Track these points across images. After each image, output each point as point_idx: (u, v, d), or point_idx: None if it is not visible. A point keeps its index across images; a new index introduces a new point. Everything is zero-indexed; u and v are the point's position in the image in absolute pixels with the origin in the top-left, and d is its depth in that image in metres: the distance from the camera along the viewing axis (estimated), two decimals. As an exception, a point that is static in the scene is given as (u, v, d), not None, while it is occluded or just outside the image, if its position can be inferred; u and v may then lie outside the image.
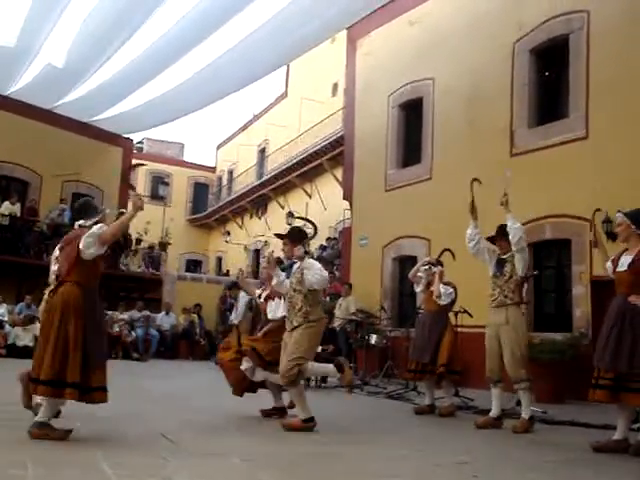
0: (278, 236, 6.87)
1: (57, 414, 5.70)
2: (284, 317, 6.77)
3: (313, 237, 6.49)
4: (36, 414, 5.18)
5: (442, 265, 8.74)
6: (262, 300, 7.46)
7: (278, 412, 7.06)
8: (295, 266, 6.53)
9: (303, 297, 6.31)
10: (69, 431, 5.11)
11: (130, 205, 5.40)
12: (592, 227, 6.70)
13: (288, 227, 25.14)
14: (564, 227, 11.38)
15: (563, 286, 11.73)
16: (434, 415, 8.14)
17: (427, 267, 8.87)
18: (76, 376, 4.95)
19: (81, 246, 5.13)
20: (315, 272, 6.25)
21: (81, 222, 5.46)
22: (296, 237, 6.63)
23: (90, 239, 5.12)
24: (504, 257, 7.26)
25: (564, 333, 10.85)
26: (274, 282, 6.71)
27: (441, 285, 8.49)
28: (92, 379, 5.06)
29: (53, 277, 5.61)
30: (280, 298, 7.14)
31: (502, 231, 7.27)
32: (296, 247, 6.50)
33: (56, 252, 5.54)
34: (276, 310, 7.15)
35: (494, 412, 7.13)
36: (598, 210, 7.13)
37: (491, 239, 7.46)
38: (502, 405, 7.21)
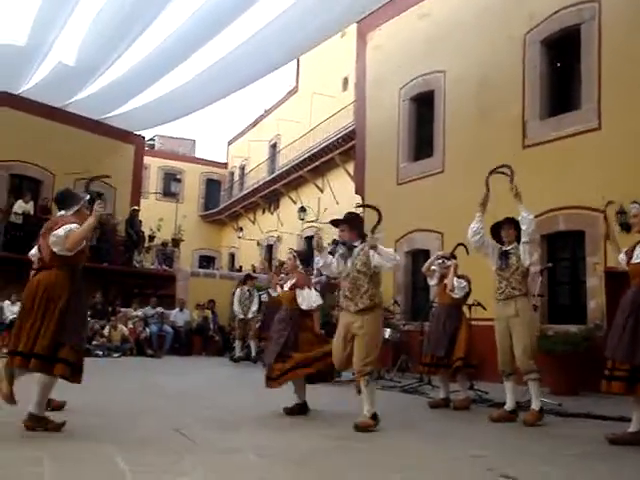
0: (335, 222, 6.80)
1: (62, 407, 5.78)
2: (319, 306, 7.12)
3: (379, 223, 6.46)
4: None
5: (456, 259, 8.73)
6: (286, 289, 7.41)
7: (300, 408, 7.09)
8: (357, 249, 6.53)
9: (368, 279, 6.40)
10: (62, 424, 5.21)
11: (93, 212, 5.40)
12: (605, 219, 6.66)
13: (301, 221, 25.28)
14: (578, 219, 11.32)
15: (577, 278, 11.66)
16: (449, 409, 8.13)
17: (441, 261, 8.87)
18: (44, 349, 5.08)
19: (49, 242, 5.30)
20: (387, 253, 6.39)
21: (63, 212, 5.58)
22: (355, 223, 6.73)
23: (54, 239, 5.27)
24: (508, 249, 7.23)
25: (579, 325, 10.80)
26: (320, 264, 6.61)
27: (455, 278, 8.48)
28: (60, 352, 5.14)
29: (36, 262, 5.71)
30: (310, 288, 7.25)
31: (511, 220, 7.27)
32: (354, 233, 6.58)
33: (39, 239, 5.57)
34: (309, 299, 7.19)
35: (509, 405, 7.12)
36: (611, 202, 7.08)
37: (496, 226, 7.41)
38: (517, 398, 7.20)
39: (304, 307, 7.14)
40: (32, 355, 5.10)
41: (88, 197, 5.71)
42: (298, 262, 7.47)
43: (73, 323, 5.25)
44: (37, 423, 5.16)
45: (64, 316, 5.19)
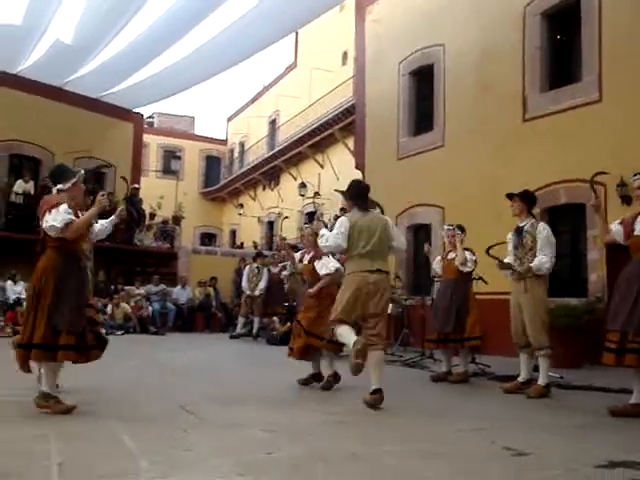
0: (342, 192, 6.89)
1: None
2: (337, 269, 7.21)
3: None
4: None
5: (464, 232, 8.64)
6: (306, 262, 7.64)
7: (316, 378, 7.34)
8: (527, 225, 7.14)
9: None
10: (73, 407, 5.19)
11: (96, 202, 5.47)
12: (593, 190, 6.60)
13: (301, 197, 25.24)
14: (578, 192, 11.29)
15: (578, 251, 11.68)
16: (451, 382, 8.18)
17: (452, 227, 8.73)
18: (41, 338, 5.09)
19: (43, 225, 5.29)
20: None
21: (59, 186, 5.51)
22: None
23: (47, 225, 5.25)
24: (522, 225, 7.22)
25: (580, 298, 10.83)
26: (328, 243, 6.49)
27: (466, 252, 8.43)
28: (60, 340, 5.14)
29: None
30: (328, 256, 7.42)
31: (523, 195, 7.28)
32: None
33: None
34: (327, 265, 7.35)
35: (523, 377, 7.18)
36: (602, 173, 7.03)
37: (510, 196, 7.38)
38: (530, 371, 7.23)
39: (322, 273, 7.32)
40: (32, 346, 5.13)
41: (83, 171, 5.70)
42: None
43: (67, 306, 5.22)
44: (47, 402, 5.16)
45: (56, 302, 5.18)
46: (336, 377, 7.18)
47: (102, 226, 6.06)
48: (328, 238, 6.31)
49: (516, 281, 7.17)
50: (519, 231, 7.23)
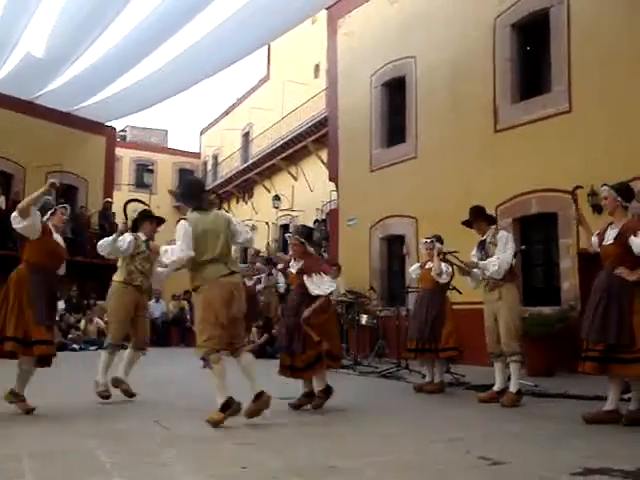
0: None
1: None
2: (332, 292, 6.72)
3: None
4: None
5: (442, 242, 8.67)
6: (293, 271, 6.83)
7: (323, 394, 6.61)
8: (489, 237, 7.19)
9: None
10: (32, 409, 5.79)
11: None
12: (575, 204, 6.69)
13: (275, 209, 25.23)
14: (550, 201, 11.41)
15: (551, 260, 11.78)
16: (443, 393, 8.15)
17: (429, 240, 8.74)
18: (13, 332, 5.68)
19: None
20: None
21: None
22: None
23: (14, 213, 5.87)
24: (485, 238, 7.30)
25: (553, 306, 10.91)
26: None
27: (442, 263, 8.45)
28: (32, 334, 5.73)
29: None
30: (321, 273, 6.61)
31: (477, 212, 7.34)
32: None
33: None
34: (320, 285, 6.54)
35: (498, 386, 7.20)
36: (579, 187, 7.12)
37: (467, 223, 7.47)
38: (505, 380, 7.25)
39: (315, 293, 6.53)
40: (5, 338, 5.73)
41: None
42: (307, 246, 6.77)
43: (34, 307, 5.85)
44: (15, 398, 5.79)
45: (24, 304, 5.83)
46: (328, 391, 6.59)
47: None
48: (173, 252, 5.69)
49: (489, 291, 7.22)
50: (482, 244, 7.31)
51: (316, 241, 18.70)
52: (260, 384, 5.57)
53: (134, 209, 7.23)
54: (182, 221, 5.75)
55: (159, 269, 6.87)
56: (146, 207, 7.32)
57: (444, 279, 8.41)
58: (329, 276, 6.81)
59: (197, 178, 6.69)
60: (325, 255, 17.77)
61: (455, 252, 7.69)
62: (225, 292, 5.57)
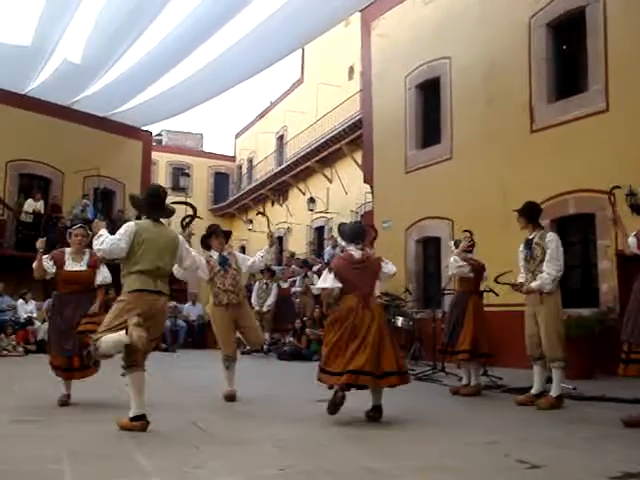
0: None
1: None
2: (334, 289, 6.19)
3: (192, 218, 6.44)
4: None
5: (473, 244, 8.63)
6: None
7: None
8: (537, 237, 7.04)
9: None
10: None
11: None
12: (612, 205, 6.60)
13: (310, 212, 25.26)
14: (587, 202, 11.27)
15: (589, 261, 11.64)
16: (475, 396, 8.09)
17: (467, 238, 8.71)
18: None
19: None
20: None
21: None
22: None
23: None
24: (531, 237, 7.20)
25: (591, 308, 10.78)
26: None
27: (454, 257, 8.40)
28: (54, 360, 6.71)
29: None
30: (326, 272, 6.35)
31: (531, 211, 7.25)
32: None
33: None
34: (324, 279, 6.33)
35: (536, 389, 7.13)
36: (617, 187, 7.01)
37: (519, 212, 7.37)
38: (543, 383, 7.18)
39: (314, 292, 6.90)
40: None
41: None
42: None
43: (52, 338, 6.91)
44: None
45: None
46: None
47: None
48: (104, 240, 5.37)
49: (531, 294, 7.14)
50: (529, 243, 7.20)
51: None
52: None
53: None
54: (132, 222, 5.64)
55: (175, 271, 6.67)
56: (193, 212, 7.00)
57: (450, 272, 8.56)
58: None
59: (163, 189, 6.10)
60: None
61: (507, 272, 7.61)
62: (146, 310, 5.26)
